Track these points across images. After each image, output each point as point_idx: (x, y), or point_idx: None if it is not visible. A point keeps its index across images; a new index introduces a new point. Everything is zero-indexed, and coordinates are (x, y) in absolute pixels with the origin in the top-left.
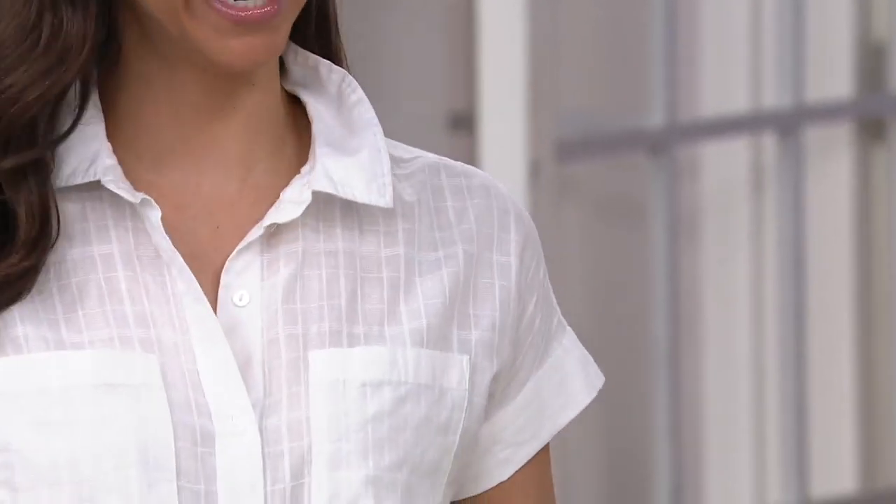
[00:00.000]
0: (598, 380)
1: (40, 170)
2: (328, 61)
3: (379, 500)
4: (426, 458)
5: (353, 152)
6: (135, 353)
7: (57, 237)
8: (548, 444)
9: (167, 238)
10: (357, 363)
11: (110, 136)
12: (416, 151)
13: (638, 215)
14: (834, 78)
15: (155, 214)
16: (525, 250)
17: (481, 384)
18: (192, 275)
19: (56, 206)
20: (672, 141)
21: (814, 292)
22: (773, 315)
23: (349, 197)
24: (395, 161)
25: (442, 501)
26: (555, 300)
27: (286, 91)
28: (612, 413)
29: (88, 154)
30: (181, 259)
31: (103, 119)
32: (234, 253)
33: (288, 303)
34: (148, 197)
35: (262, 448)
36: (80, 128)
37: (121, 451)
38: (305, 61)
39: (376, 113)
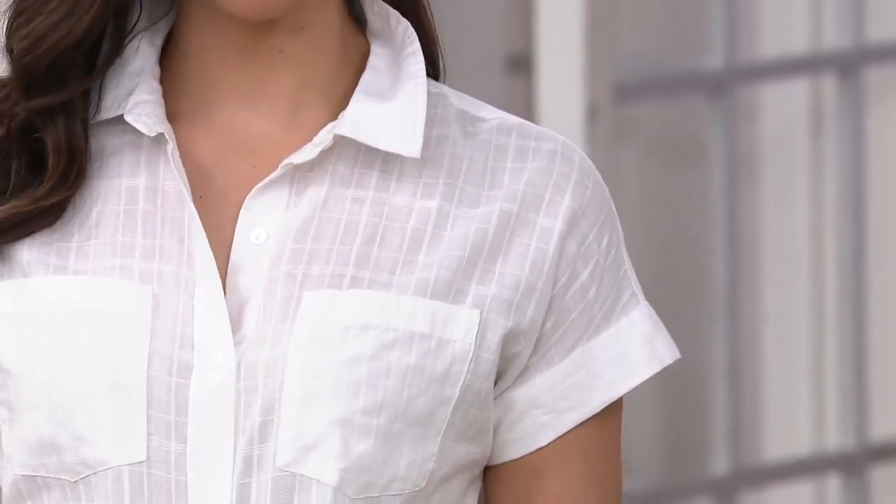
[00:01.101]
0: (669, 355)
1: (70, 110)
2: (397, 12)
3: (347, 442)
4: (414, 407)
5: (388, 101)
6: (131, 282)
7: (83, 174)
8: (611, 416)
9: (181, 172)
10: (347, 305)
11: (167, 79)
12: (498, 113)
13: (697, 158)
14: (895, 18)
15: (169, 148)
16: (582, 218)
17: (492, 340)
18: (194, 209)
19: (87, 143)
20: (731, 83)
21: (873, 233)
22: (833, 256)
23: (371, 143)
24: (470, 119)
25: (456, 454)
26: (631, 275)
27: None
28: None
29: (126, 90)
30: (187, 193)
31: (155, 58)
32: (253, 191)
33: (298, 243)
34: (165, 131)
35: (238, 383)
36: (128, 65)
37: (93, 376)
38: (380, 10)
39: None
